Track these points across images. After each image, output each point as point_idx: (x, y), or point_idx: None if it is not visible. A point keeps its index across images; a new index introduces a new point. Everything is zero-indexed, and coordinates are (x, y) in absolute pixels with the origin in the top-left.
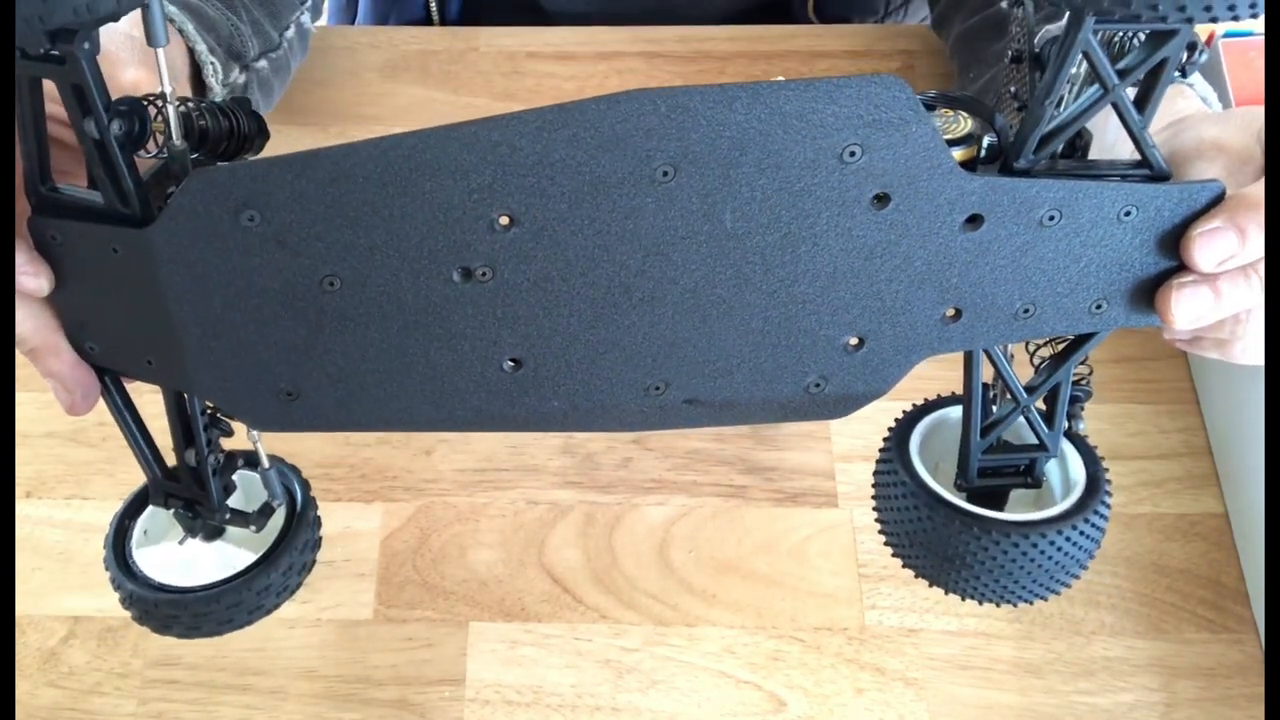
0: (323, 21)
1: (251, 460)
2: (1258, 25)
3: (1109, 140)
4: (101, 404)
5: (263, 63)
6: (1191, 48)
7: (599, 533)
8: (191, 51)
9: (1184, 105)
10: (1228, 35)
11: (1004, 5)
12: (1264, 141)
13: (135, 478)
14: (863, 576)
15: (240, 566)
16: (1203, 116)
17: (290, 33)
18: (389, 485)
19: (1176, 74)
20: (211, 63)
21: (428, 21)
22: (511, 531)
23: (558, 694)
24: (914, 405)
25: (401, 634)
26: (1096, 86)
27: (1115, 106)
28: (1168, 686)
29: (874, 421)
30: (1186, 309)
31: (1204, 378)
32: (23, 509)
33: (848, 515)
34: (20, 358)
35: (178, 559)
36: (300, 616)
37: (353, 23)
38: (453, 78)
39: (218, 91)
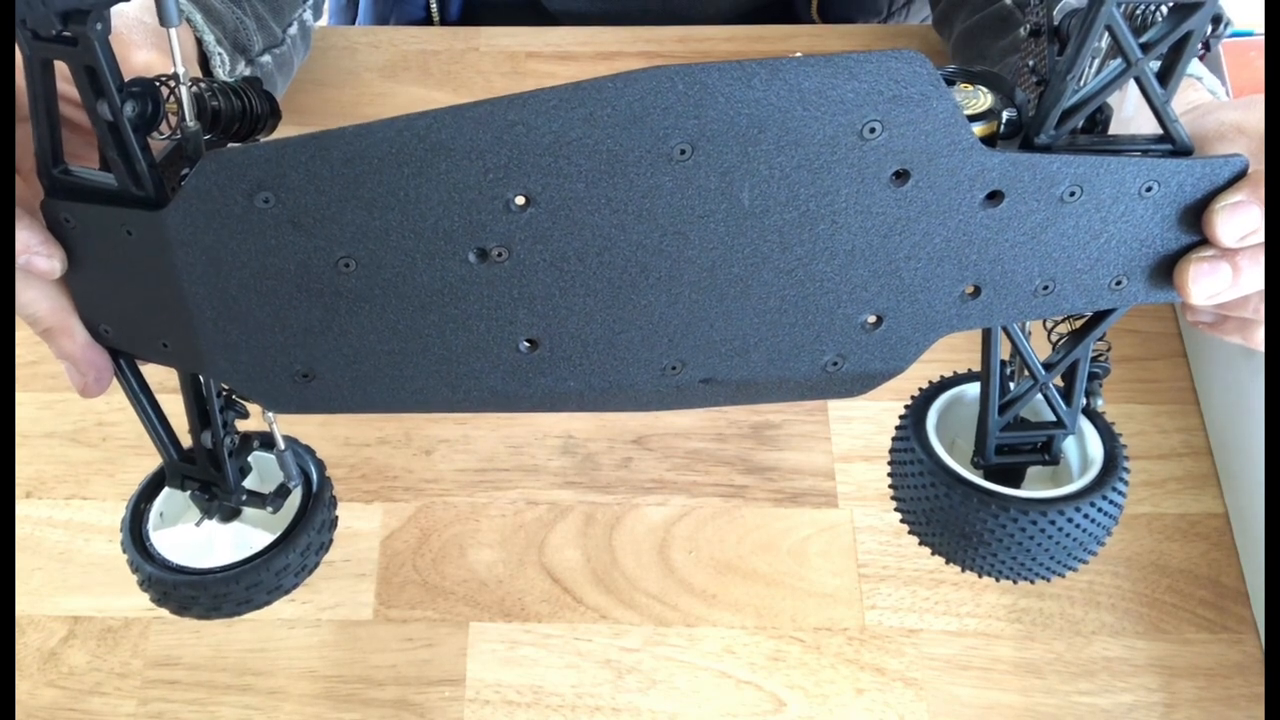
0: (323, 22)
1: (267, 441)
2: (1258, 25)
3: (1126, 114)
4: (99, 399)
5: (267, 58)
6: (1216, 20)
7: (599, 533)
8: (200, 43)
9: (1195, 97)
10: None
11: (1008, 1)
12: (1264, 143)
13: (135, 478)
14: (863, 576)
15: (257, 547)
16: (1222, 103)
17: (293, 29)
18: (389, 485)
19: (1200, 47)
20: (219, 53)
21: (428, 22)
22: (511, 531)
23: (558, 694)
24: (930, 382)
25: (401, 634)
26: (1119, 60)
27: (1138, 81)
28: (1168, 686)
29: (875, 422)
30: (1205, 284)
31: (1204, 378)
32: (23, 509)
33: (848, 515)
34: (22, 356)
35: (195, 541)
36: (300, 616)
37: (353, 23)
38: (453, 78)
39: None
